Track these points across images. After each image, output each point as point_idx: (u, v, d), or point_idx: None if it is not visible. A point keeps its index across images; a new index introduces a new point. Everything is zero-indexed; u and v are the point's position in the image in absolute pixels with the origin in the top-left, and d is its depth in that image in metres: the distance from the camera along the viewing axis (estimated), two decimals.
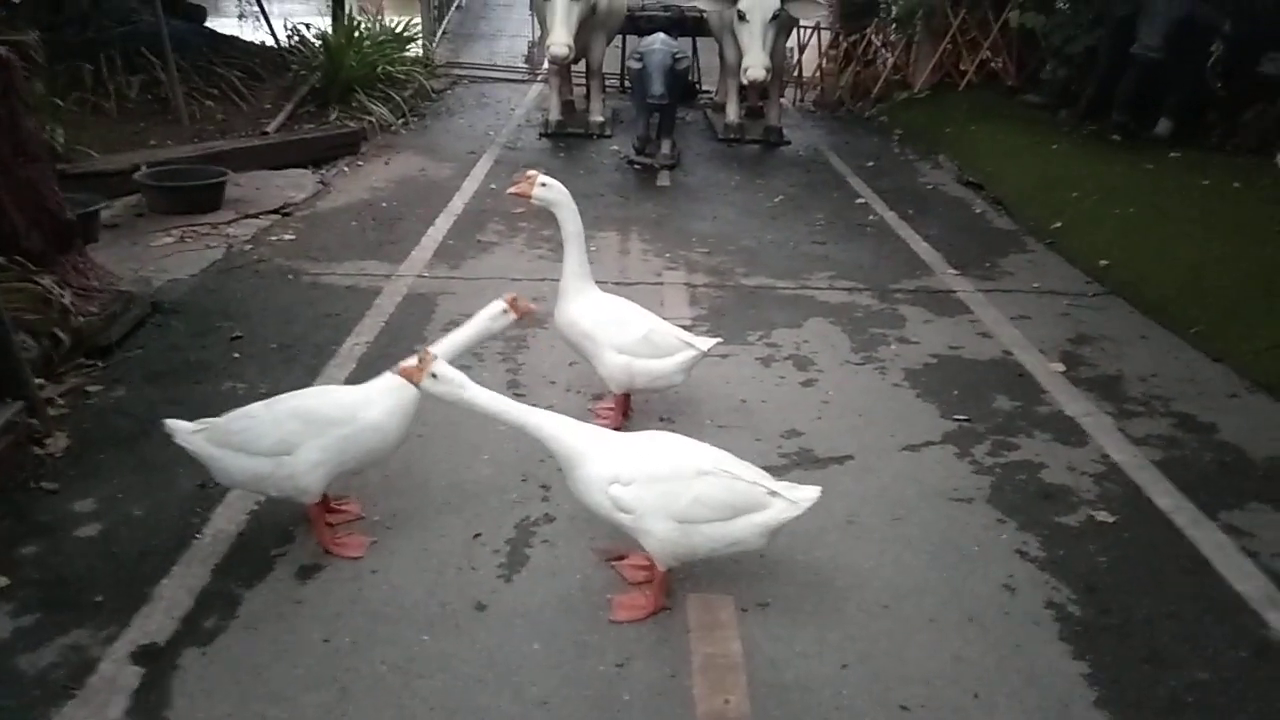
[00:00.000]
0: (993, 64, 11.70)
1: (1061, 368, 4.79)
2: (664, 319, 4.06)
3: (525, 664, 2.73)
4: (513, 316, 3.18)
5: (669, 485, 2.71)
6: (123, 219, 6.51)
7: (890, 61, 12.33)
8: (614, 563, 3.16)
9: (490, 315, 3.16)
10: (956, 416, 4.26)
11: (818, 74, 13.30)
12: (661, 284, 5.89)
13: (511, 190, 3.77)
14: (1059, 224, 7.10)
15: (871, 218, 7.56)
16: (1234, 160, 8.35)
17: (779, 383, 4.56)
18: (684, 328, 4.42)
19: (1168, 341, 5.18)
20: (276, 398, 3.15)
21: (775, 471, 3.68)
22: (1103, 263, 6.29)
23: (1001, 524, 3.47)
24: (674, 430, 3.89)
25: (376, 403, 3.09)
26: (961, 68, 11.81)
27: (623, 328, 3.90)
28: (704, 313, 5.45)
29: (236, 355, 4.65)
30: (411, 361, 2.74)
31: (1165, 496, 3.65)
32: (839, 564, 3.22)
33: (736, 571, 3.15)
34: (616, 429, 3.78)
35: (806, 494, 2.82)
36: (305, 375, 4.41)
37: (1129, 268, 6.13)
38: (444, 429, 3.97)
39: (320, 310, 5.21)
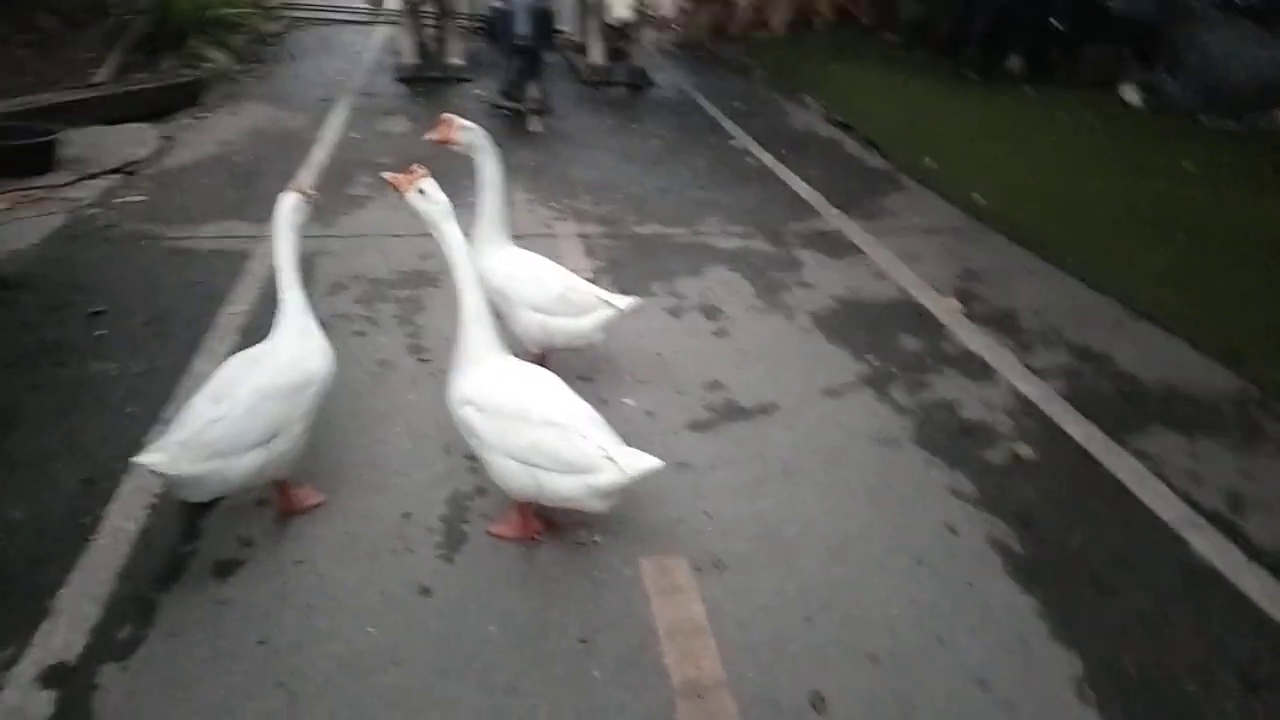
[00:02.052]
0: (848, 4, 11.83)
1: (958, 305, 4.91)
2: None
3: (484, 648, 2.59)
4: (307, 202, 3.00)
5: (512, 424, 2.72)
6: None
7: (749, 1, 12.29)
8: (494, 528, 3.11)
9: (290, 212, 2.95)
10: (868, 358, 4.30)
11: (679, 14, 13.15)
12: (554, 235, 5.70)
13: (431, 136, 3.55)
14: (930, 161, 7.26)
15: (749, 160, 7.55)
16: (1080, 94, 8.76)
17: (691, 334, 4.49)
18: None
19: (1051, 275, 5.38)
20: (211, 386, 2.75)
21: (702, 425, 3.64)
22: (977, 197, 6.48)
23: (930, 464, 3.52)
24: (594, 389, 3.83)
25: (307, 345, 2.92)
26: (817, 8, 11.90)
27: (538, 285, 3.73)
28: (603, 264, 5.30)
29: (101, 333, 4.21)
30: (397, 174, 2.78)
31: (1076, 426, 3.79)
32: (783, 514, 3.19)
33: (684, 531, 3.08)
34: None
35: (642, 464, 2.69)
36: (184, 351, 4.04)
37: (1003, 202, 6.34)
38: (348, 400, 3.72)
39: (186, 278, 4.78)
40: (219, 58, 9.13)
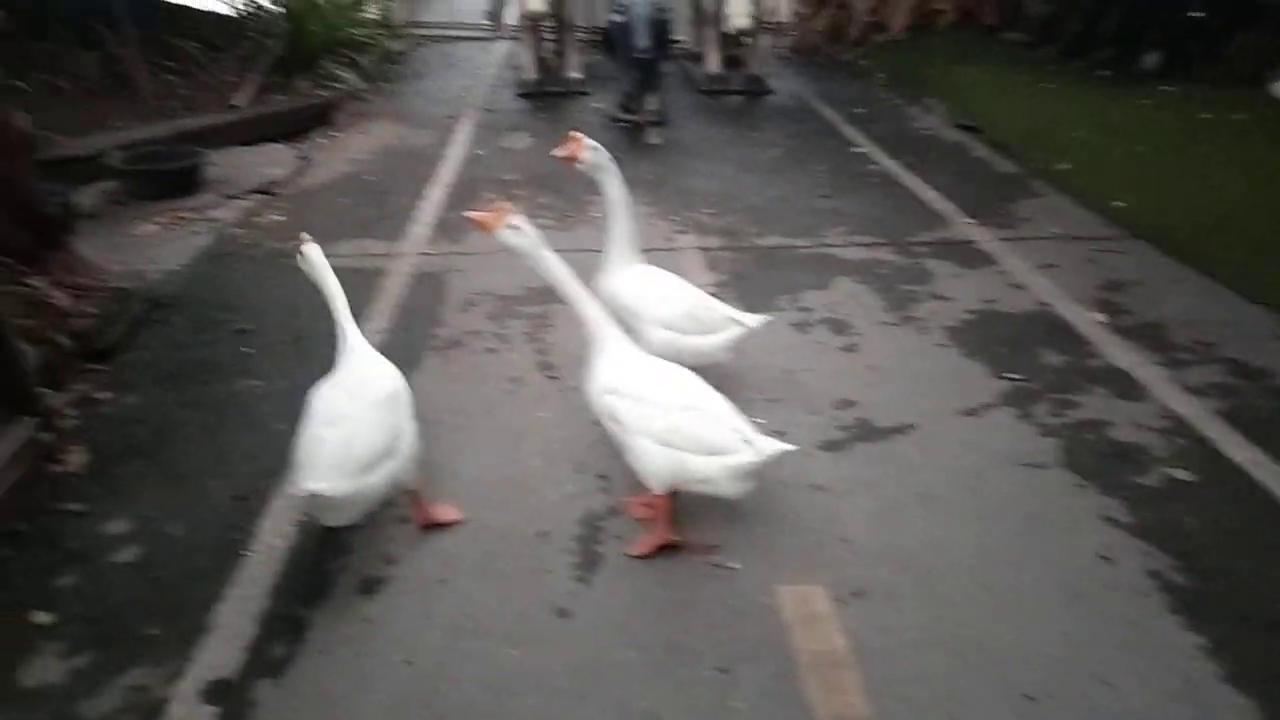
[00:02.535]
0: (970, 3, 11.48)
1: (1102, 317, 4.68)
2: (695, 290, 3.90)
3: (623, 674, 2.58)
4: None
5: (654, 408, 2.85)
6: (100, 208, 6.15)
7: (868, 4, 12.05)
8: (625, 500, 3.27)
9: (321, 257, 3.20)
10: (1008, 375, 4.13)
11: (793, 19, 13.01)
12: (675, 249, 5.68)
13: (558, 153, 3.60)
14: (1066, 165, 6.97)
15: (873, 167, 7.38)
16: (1226, 92, 8.26)
17: (819, 349, 4.40)
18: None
19: (1200, 284, 5.08)
20: (319, 415, 2.83)
21: (836, 446, 3.56)
22: (1117, 204, 6.18)
23: (1081, 489, 3.35)
24: None
25: (378, 365, 3.12)
26: (937, 7, 11.59)
27: (667, 303, 3.72)
28: (725, 278, 5.26)
29: (246, 350, 4.39)
30: (484, 213, 2.89)
31: (1238, 449, 3.56)
32: (924, 542, 3.09)
33: (822, 558, 3.01)
34: None
35: (775, 447, 2.82)
36: (324, 369, 4.10)
37: (1147, 209, 6.02)
38: (481, 416, 3.78)
39: (321, 295, 4.94)
40: (349, 78, 9.45)
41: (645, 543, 3.06)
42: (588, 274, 5.20)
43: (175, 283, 5.08)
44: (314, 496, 2.61)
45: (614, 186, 3.68)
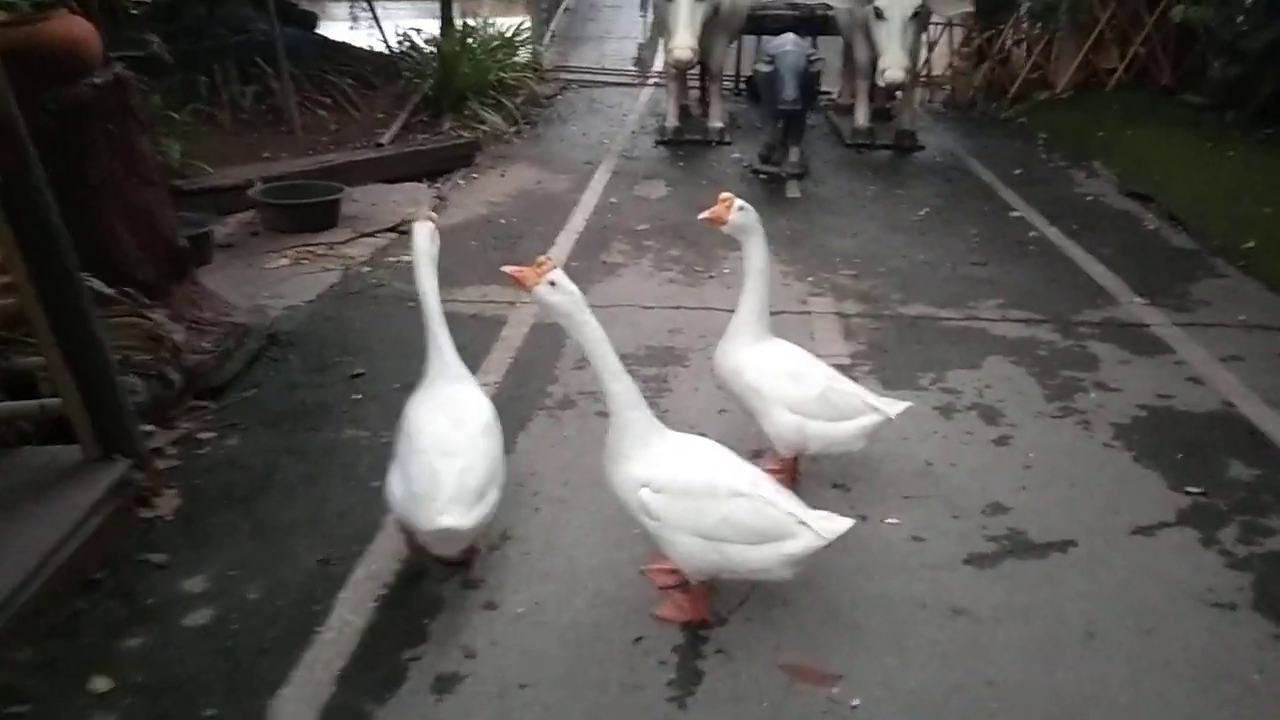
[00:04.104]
0: (1145, 61, 10.72)
1: None
2: (825, 362, 3.57)
3: None
4: (433, 226, 3.09)
5: (700, 501, 2.64)
6: (237, 238, 6.24)
7: (1029, 59, 11.43)
8: (646, 568, 3.05)
9: (428, 239, 3.06)
10: (1188, 489, 3.59)
11: (948, 72, 12.49)
12: (809, 313, 5.31)
13: (704, 216, 3.33)
14: (1251, 244, 6.27)
15: (1032, 234, 6.84)
16: None
17: (966, 440, 3.95)
18: (840, 368, 3.87)
19: None
20: (427, 442, 2.82)
21: (983, 560, 3.12)
22: None
23: (1276, 642, 2.81)
24: (849, 501, 3.40)
25: (472, 388, 3.11)
26: (1108, 65, 10.88)
27: (797, 383, 3.36)
28: (862, 348, 4.86)
29: (357, 396, 4.26)
30: (522, 268, 2.63)
31: None
32: (1087, 693, 2.61)
33: (961, 700, 2.58)
34: None
35: (836, 525, 2.66)
36: None
37: None
38: (587, 491, 3.49)
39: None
40: (494, 119, 9.49)
41: (678, 607, 2.88)
42: (711, 335, 4.95)
43: (297, 319, 5.03)
44: (444, 530, 2.63)
45: (757, 252, 3.38)
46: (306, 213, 6.40)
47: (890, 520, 3.36)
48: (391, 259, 6.02)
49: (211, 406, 4.11)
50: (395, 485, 2.85)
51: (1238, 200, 6.96)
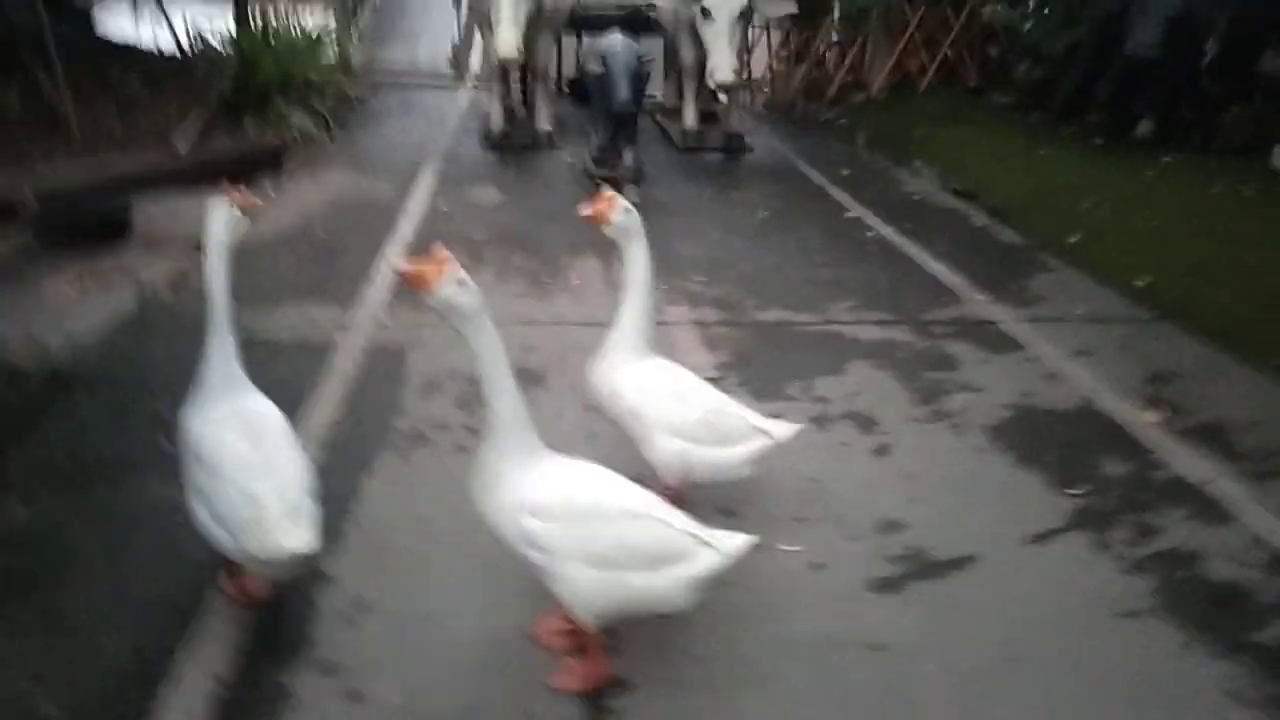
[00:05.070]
0: (954, 64, 11.17)
1: (1154, 417, 4.13)
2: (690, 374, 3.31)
3: None
4: (243, 217, 2.74)
5: (590, 525, 2.37)
6: (6, 260, 5.38)
7: (845, 62, 11.69)
8: (533, 631, 2.68)
9: (226, 227, 2.71)
10: (1070, 491, 3.54)
11: (767, 74, 12.64)
12: (666, 322, 5.04)
13: (585, 211, 3.04)
14: (1076, 238, 6.50)
15: (870, 234, 6.87)
16: (1223, 162, 7.92)
17: (846, 452, 3.78)
18: (709, 380, 3.63)
19: (1251, 378, 4.57)
20: (234, 462, 2.54)
21: (888, 586, 2.93)
22: (1139, 282, 5.70)
23: (1189, 648, 2.74)
24: (741, 527, 3.14)
25: (257, 396, 2.82)
26: (921, 67, 11.27)
27: (680, 405, 3.08)
28: (726, 359, 4.65)
29: (167, 444, 3.64)
30: (419, 265, 2.24)
31: None
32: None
33: None
34: None
35: (738, 542, 2.44)
36: None
37: (1172, 288, 5.54)
38: (449, 542, 3.07)
39: (264, 375, 4.05)
40: (303, 121, 8.77)
41: (573, 673, 2.52)
42: (570, 352, 4.63)
43: (87, 357, 4.32)
44: (286, 555, 2.39)
45: (639, 260, 3.10)
46: (90, 229, 5.61)
47: (785, 547, 3.13)
48: (193, 279, 5.31)
49: None
50: (206, 520, 2.56)
51: (1056, 196, 7.24)
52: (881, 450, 3.80)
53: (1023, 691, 2.55)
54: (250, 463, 2.52)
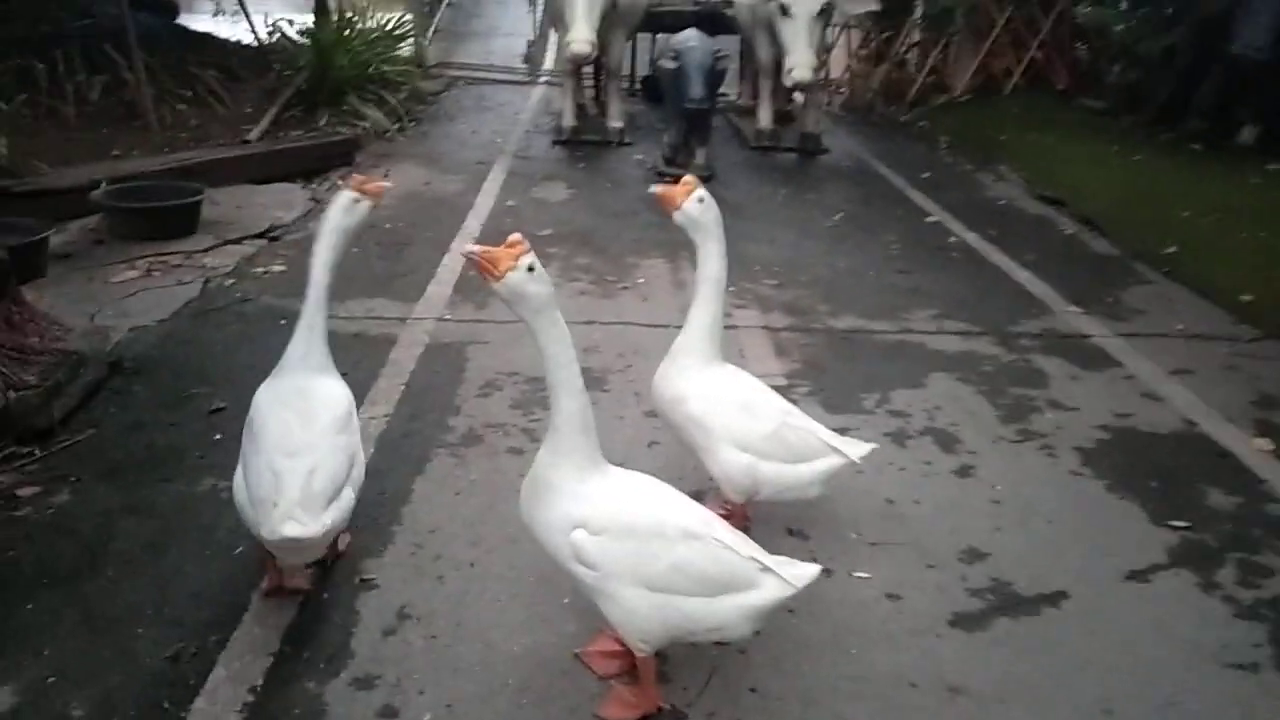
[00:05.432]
0: (1042, 65, 10.72)
1: (1268, 445, 3.80)
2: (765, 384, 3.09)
3: None
4: (369, 203, 2.71)
5: (646, 544, 2.20)
6: (78, 247, 5.40)
7: (927, 62, 11.32)
8: (580, 652, 2.50)
9: (343, 210, 2.69)
10: (1173, 523, 3.25)
11: (846, 75, 12.31)
12: (735, 327, 4.83)
13: (656, 189, 2.84)
14: (1173, 249, 6.12)
15: (952, 239, 6.56)
16: None
17: (926, 472, 3.53)
18: (777, 389, 3.42)
19: None
20: (270, 441, 2.52)
21: (971, 621, 2.68)
22: (1245, 297, 5.32)
23: None
24: (809, 550, 2.93)
25: (330, 379, 2.79)
26: (1006, 68, 10.84)
27: (750, 418, 2.87)
28: (797, 366, 4.42)
29: (218, 436, 3.57)
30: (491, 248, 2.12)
31: None
32: None
33: None
34: None
35: (804, 572, 2.28)
36: None
37: None
38: (501, 550, 2.92)
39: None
40: (375, 116, 8.76)
41: (623, 703, 2.34)
42: (631, 354, 4.46)
43: (146, 343, 4.29)
44: (289, 540, 2.34)
45: (714, 256, 2.89)
46: (160, 217, 5.60)
47: (859, 574, 2.90)
48: (259, 269, 5.30)
49: (35, 454, 3.37)
50: (239, 489, 2.56)
51: (1152, 205, 6.85)
52: (964, 471, 3.54)
53: None
54: (291, 440, 2.48)
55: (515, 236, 2.13)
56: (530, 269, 2.10)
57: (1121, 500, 3.38)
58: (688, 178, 2.87)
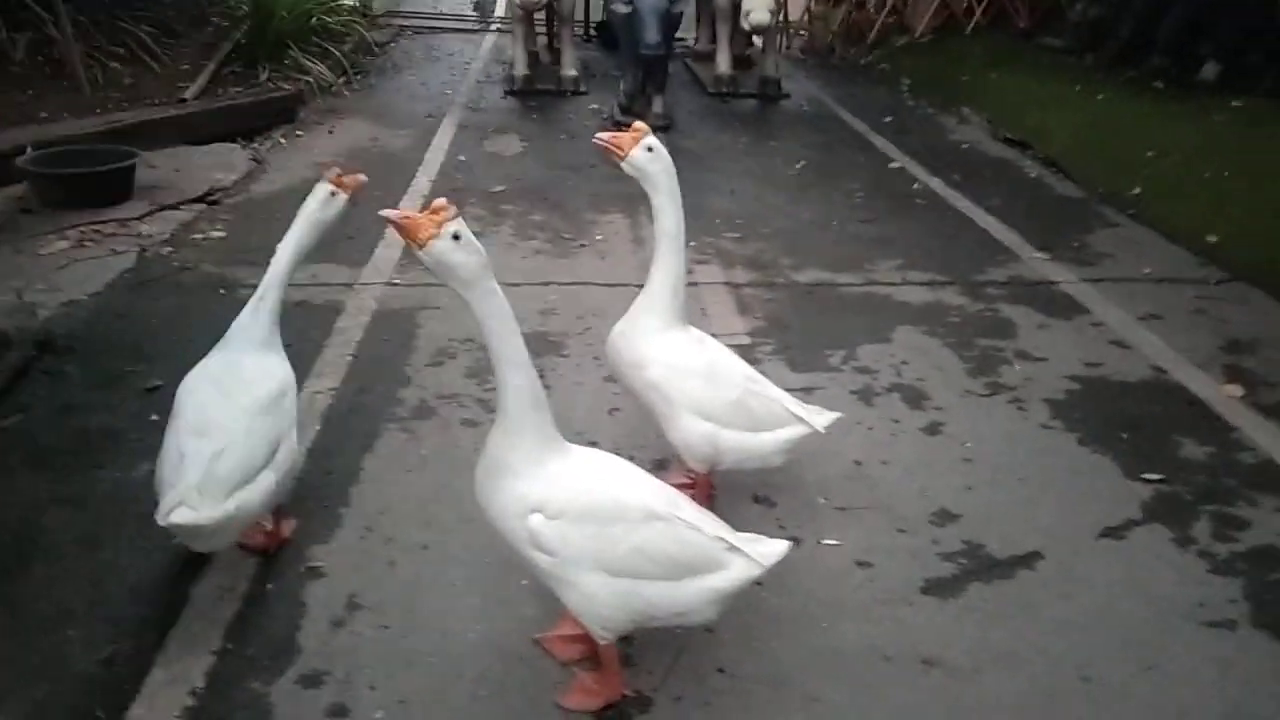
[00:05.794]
0: (1003, 3, 10.55)
1: (1238, 391, 3.75)
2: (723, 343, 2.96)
3: None
4: (344, 196, 2.66)
5: (607, 527, 2.07)
6: (4, 217, 5.11)
7: (888, 3, 11.11)
8: (539, 637, 2.40)
9: (320, 203, 2.63)
10: (1146, 476, 3.18)
11: (805, 17, 12.06)
12: (696, 283, 4.69)
13: (601, 138, 2.64)
14: (1138, 190, 6.05)
15: (916, 186, 6.44)
16: None
17: (894, 430, 3.44)
18: (740, 348, 3.32)
19: None
20: (185, 420, 2.44)
21: (944, 588, 2.60)
22: (1211, 238, 5.26)
23: None
24: (775, 517, 2.83)
25: (269, 357, 2.65)
26: (968, 7, 10.67)
27: (712, 385, 2.74)
28: (760, 323, 4.30)
29: (154, 417, 3.35)
30: (411, 212, 1.96)
31: None
32: None
33: None
34: None
35: (771, 549, 2.17)
36: None
37: (1246, 245, 5.11)
38: (457, 529, 2.79)
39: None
40: (319, 69, 8.41)
41: (586, 691, 2.24)
42: (590, 315, 4.31)
43: (78, 318, 4.07)
44: (178, 526, 2.23)
45: (668, 210, 2.71)
46: (92, 183, 5.32)
47: (828, 541, 2.81)
48: (198, 236, 5.07)
49: None
50: (156, 475, 2.43)
51: (1116, 145, 6.76)
52: (933, 429, 3.45)
53: (1097, 717, 2.23)
54: (203, 420, 2.38)
55: (440, 201, 1.96)
56: (456, 236, 1.91)
57: (1093, 454, 3.31)
58: (638, 125, 2.69)
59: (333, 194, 2.63)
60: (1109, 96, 7.90)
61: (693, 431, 2.75)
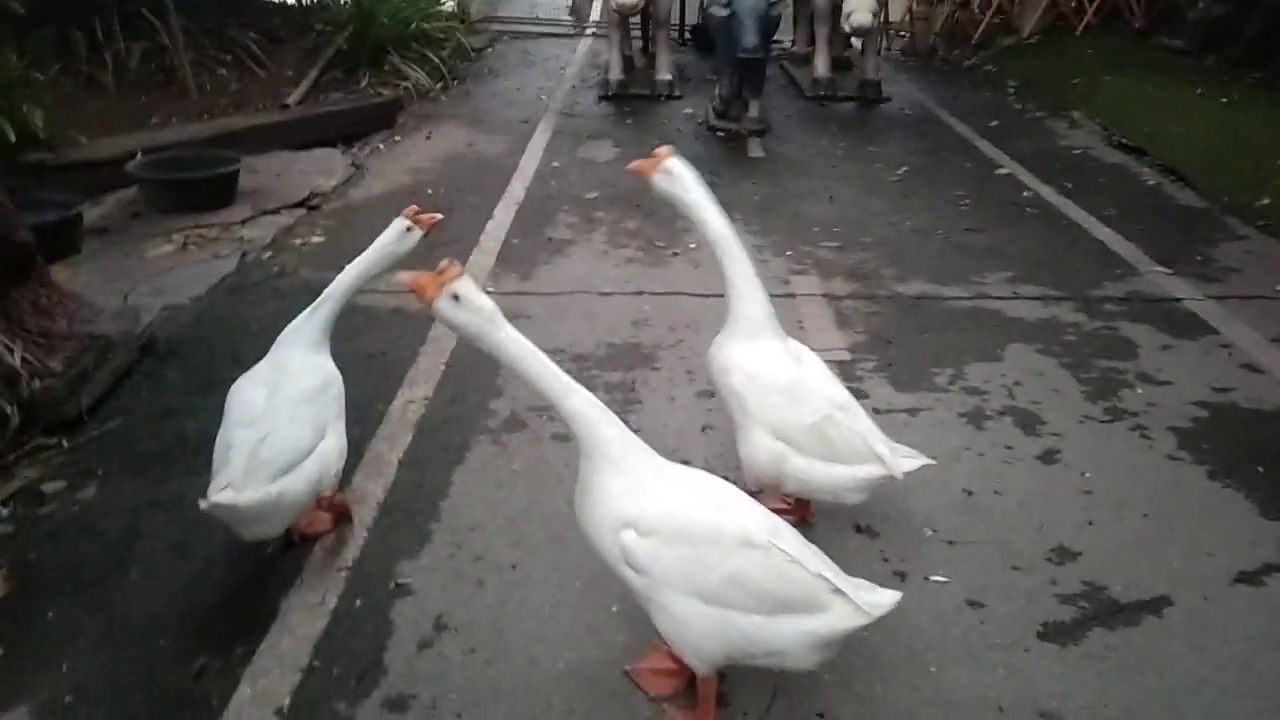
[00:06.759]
0: (1116, 2, 10.10)
1: None
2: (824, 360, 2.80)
3: None
4: (419, 233, 2.69)
5: (700, 550, 1.98)
6: (114, 220, 5.28)
7: (993, 2, 10.73)
8: (630, 669, 2.31)
9: (395, 237, 2.67)
10: None
11: (906, 18, 11.74)
12: (792, 295, 4.55)
13: (631, 168, 2.67)
14: (1267, 200, 5.67)
15: (1025, 194, 6.16)
16: None
17: (1007, 457, 3.24)
18: (839, 365, 3.16)
19: None
20: (234, 416, 2.54)
21: (1063, 633, 2.41)
22: None
23: None
24: (879, 549, 2.68)
25: (314, 356, 2.70)
26: (1077, 7, 10.23)
27: (792, 404, 2.58)
28: (861, 338, 4.13)
29: None
30: (420, 274, 1.98)
31: None
32: None
33: None
34: None
35: (881, 599, 2.05)
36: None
37: None
38: (546, 549, 2.71)
39: (360, 347, 3.92)
40: (418, 75, 8.51)
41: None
42: (683, 327, 4.21)
43: (180, 322, 4.14)
44: (216, 507, 2.30)
45: (709, 220, 2.63)
46: (197, 188, 5.44)
47: (936, 577, 2.65)
48: (297, 241, 5.13)
49: (62, 446, 3.24)
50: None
51: (1243, 152, 6.37)
52: (1049, 457, 3.24)
53: None
54: (250, 414, 2.48)
55: (445, 262, 1.98)
56: (456, 297, 1.94)
57: (1225, 489, 3.07)
58: (658, 150, 2.62)
59: (408, 229, 2.67)
60: (1233, 100, 7.47)
61: (760, 448, 2.62)
